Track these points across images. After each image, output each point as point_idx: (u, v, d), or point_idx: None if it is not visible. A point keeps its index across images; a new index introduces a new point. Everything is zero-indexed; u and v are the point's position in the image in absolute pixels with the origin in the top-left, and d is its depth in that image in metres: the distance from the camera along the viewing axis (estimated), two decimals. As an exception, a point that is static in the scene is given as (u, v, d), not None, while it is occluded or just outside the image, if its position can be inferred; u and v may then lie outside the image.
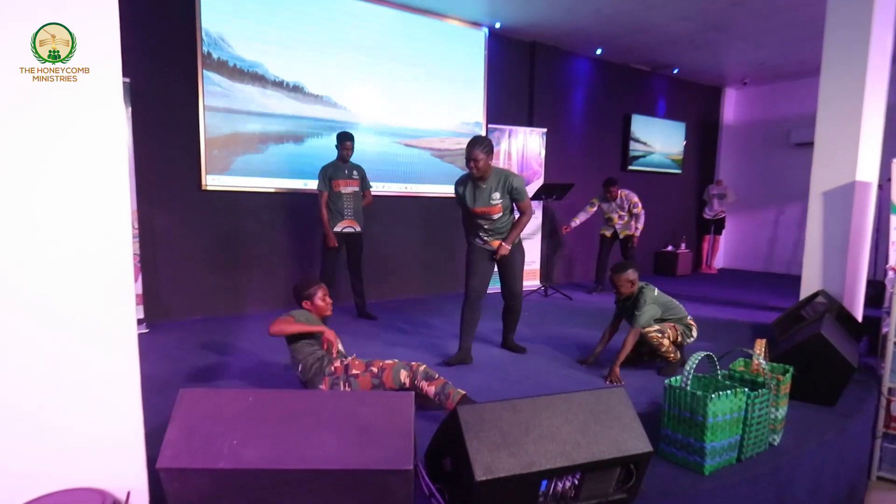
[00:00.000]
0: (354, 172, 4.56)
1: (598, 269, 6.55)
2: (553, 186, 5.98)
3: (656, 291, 3.32)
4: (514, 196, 3.46)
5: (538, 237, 6.62)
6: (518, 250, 3.61)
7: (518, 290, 3.69)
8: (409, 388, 2.50)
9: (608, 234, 6.36)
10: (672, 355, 3.29)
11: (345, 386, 2.55)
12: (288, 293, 5.26)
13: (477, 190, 3.44)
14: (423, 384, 2.52)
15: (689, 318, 3.41)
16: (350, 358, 2.69)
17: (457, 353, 3.54)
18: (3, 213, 1.44)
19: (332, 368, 2.60)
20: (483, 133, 6.32)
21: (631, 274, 3.30)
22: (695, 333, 3.40)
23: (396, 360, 2.64)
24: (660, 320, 3.30)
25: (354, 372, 2.58)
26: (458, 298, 4.04)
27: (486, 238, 3.55)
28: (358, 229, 4.58)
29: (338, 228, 4.49)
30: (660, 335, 3.23)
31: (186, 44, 4.57)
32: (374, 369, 2.58)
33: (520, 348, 3.84)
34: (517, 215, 3.55)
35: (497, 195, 3.42)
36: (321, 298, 2.87)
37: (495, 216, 3.46)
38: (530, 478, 1.63)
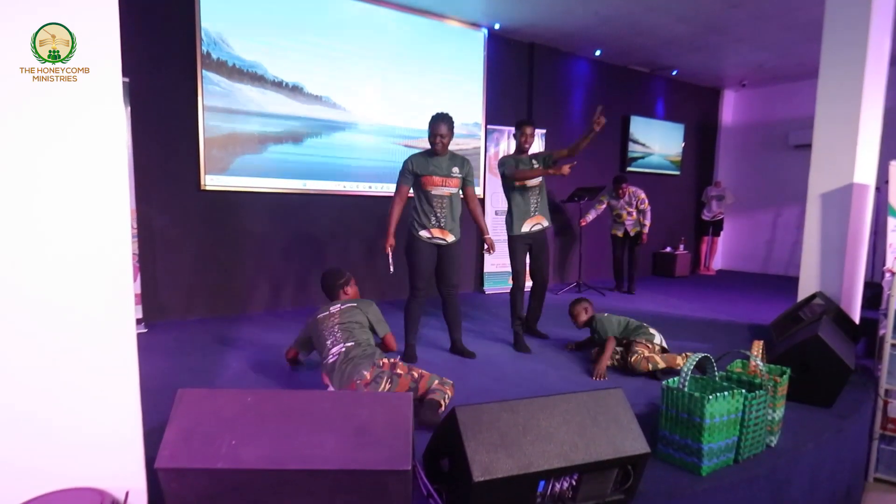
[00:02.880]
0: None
1: (616, 270, 6.76)
2: (585, 189, 6.31)
3: (606, 314, 3.60)
4: (467, 178, 3.54)
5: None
6: (458, 245, 3.60)
7: (456, 282, 3.63)
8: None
9: (619, 234, 6.53)
10: (665, 364, 3.29)
11: (387, 382, 2.59)
12: (285, 293, 5.30)
13: (433, 163, 3.43)
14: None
15: (649, 331, 3.43)
16: (397, 359, 2.78)
17: (406, 352, 3.52)
18: (3, 213, 1.44)
19: (381, 362, 2.65)
20: (482, 134, 6.34)
21: (584, 303, 3.69)
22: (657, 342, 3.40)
23: (432, 374, 2.72)
24: (628, 338, 3.41)
25: (399, 371, 2.66)
26: (464, 295, 4.02)
27: (437, 223, 3.46)
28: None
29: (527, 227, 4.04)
30: (645, 361, 3.23)
31: (186, 43, 4.58)
32: (415, 374, 2.67)
33: (469, 353, 3.67)
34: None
35: (455, 170, 3.47)
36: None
37: (452, 191, 3.47)
38: (528, 478, 1.63)
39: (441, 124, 3.38)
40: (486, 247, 3.65)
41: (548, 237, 4.11)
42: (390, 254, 3.47)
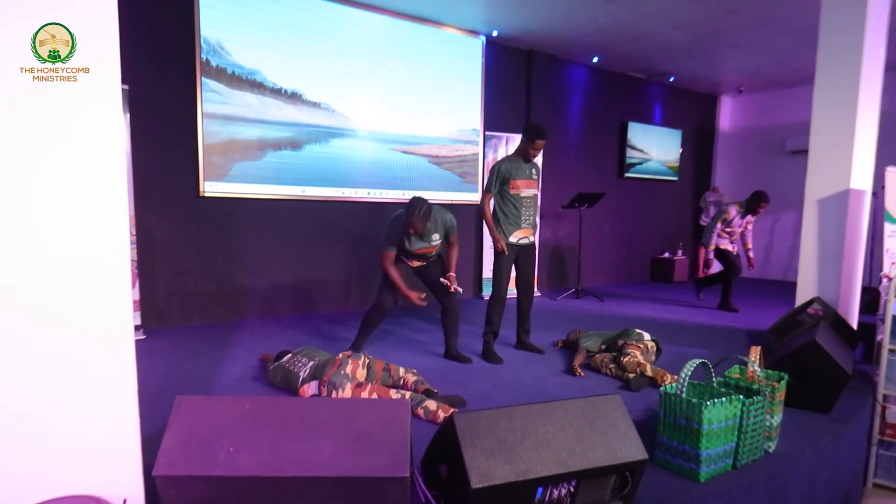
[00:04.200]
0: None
1: (728, 284, 6.01)
2: (586, 196, 6.28)
3: (591, 332, 3.95)
4: (449, 232, 3.61)
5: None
6: (438, 261, 3.76)
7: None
8: (402, 384, 3.01)
9: (732, 249, 5.92)
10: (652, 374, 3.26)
11: (366, 358, 3.01)
12: (284, 299, 5.29)
13: (414, 236, 3.51)
14: (408, 377, 3.02)
15: (635, 332, 3.68)
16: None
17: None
18: (3, 214, 1.43)
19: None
20: (480, 140, 6.36)
21: (577, 330, 4.14)
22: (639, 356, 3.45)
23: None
24: (616, 346, 3.58)
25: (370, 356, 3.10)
26: (463, 300, 4.05)
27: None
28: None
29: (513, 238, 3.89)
30: (636, 364, 3.26)
31: (185, 51, 4.60)
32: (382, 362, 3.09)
33: (465, 358, 3.71)
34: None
35: (437, 236, 3.57)
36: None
37: (432, 255, 3.68)
38: (526, 485, 1.63)
39: (427, 220, 3.42)
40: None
41: (535, 251, 4.05)
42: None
